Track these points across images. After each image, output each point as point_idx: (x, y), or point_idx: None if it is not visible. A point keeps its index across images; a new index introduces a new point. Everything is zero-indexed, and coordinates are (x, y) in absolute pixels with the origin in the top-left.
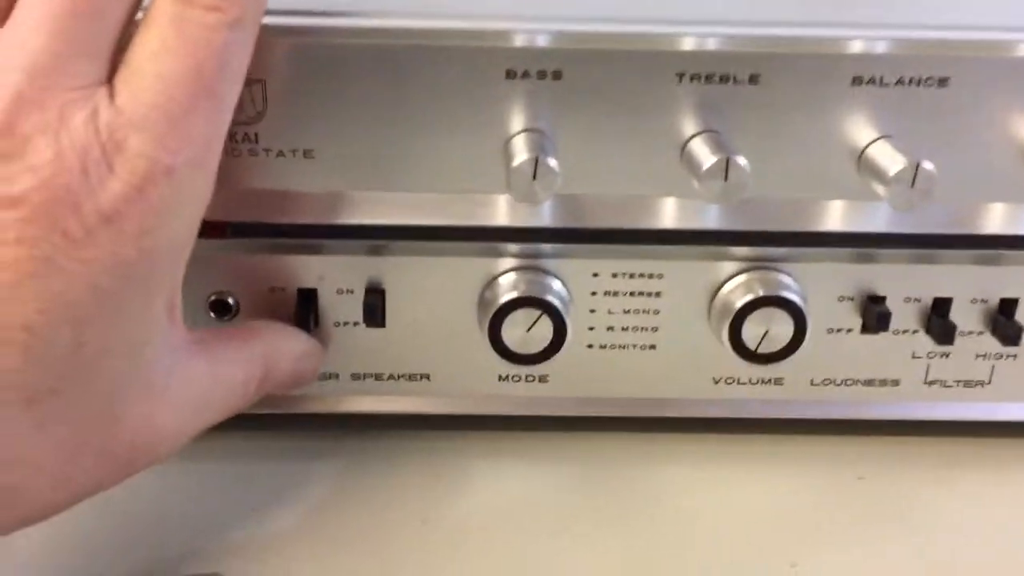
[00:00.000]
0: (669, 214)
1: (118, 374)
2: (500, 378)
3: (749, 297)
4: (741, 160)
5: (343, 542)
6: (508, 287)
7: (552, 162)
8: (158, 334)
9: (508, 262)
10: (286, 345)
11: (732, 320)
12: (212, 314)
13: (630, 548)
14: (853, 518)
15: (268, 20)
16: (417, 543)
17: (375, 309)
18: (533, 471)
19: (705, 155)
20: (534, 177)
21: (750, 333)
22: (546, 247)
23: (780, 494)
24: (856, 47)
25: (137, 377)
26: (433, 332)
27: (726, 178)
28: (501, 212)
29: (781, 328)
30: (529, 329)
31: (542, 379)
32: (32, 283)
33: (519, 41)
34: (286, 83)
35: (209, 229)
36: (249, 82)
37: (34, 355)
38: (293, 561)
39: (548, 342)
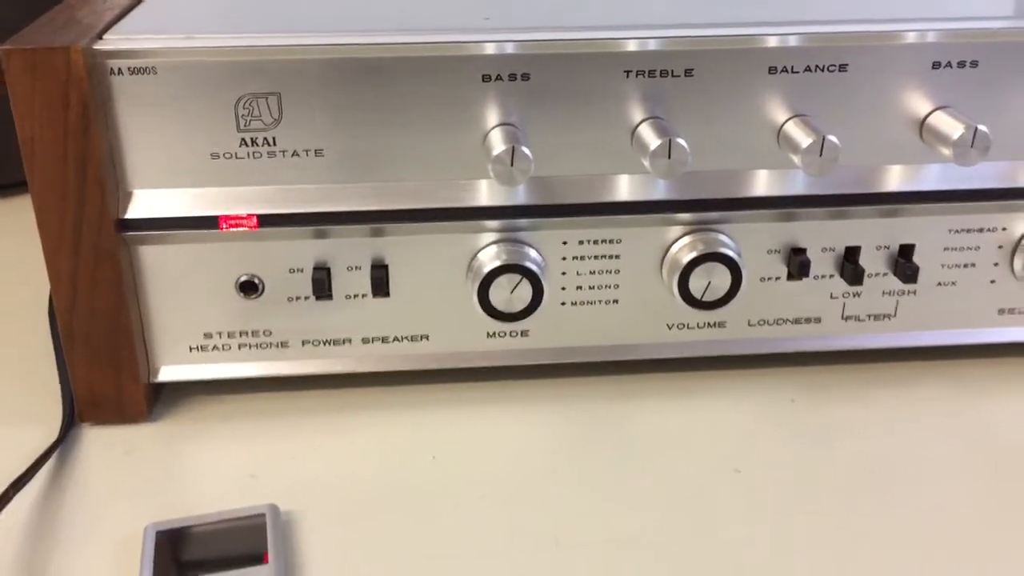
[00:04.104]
0: (624, 189)
1: None
2: (488, 335)
3: (693, 254)
4: (681, 141)
5: (366, 478)
6: (492, 257)
7: (526, 150)
8: None
9: (491, 236)
10: None
11: (680, 275)
12: (241, 293)
13: (604, 467)
14: (787, 432)
15: (283, 40)
16: (427, 472)
17: (380, 282)
18: (520, 412)
19: (651, 138)
20: (512, 164)
21: (695, 285)
22: (522, 222)
23: (726, 417)
24: (771, 42)
25: None
26: (430, 299)
27: (669, 156)
28: (483, 194)
29: (721, 279)
30: (512, 291)
31: (524, 334)
32: None
33: (492, 50)
34: (298, 95)
35: (238, 221)
36: (266, 95)
37: None
38: (341, 495)
39: (528, 301)
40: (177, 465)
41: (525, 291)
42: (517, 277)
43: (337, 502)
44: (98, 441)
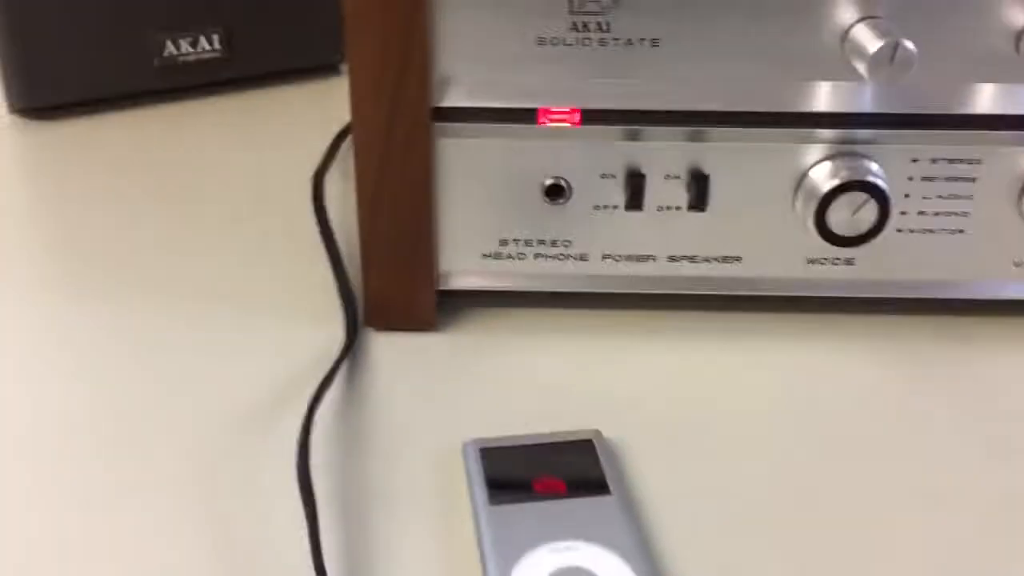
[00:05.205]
0: (992, 99)
1: None
2: (809, 261)
3: None
4: None
5: (679, 403)
6: (831, 173)
7: (910, 46)
8: None
9: (826, 148)
10: None
11: None
12: (547, 197)
13: (936, 411)
14: None
15: None
16: (738, 400)
17: (700, 193)
18: (839, 346)
19: None
20: (892, 60)
21: None
22: (864, 133)
23: None
24: None
25: None
26: (749, 217)
27: None
28: (823, 99)
29: None
30: (855, 212)
31: (849, 262)
32: None
33: None
34: None
35: (560, 116)
36: None
37: None
38: (661, 423)
39: (872, 224)
40: (476, 377)
41: (870, 212)
42: (862, 197)
43: (652, 428)
44: (388, 348)
